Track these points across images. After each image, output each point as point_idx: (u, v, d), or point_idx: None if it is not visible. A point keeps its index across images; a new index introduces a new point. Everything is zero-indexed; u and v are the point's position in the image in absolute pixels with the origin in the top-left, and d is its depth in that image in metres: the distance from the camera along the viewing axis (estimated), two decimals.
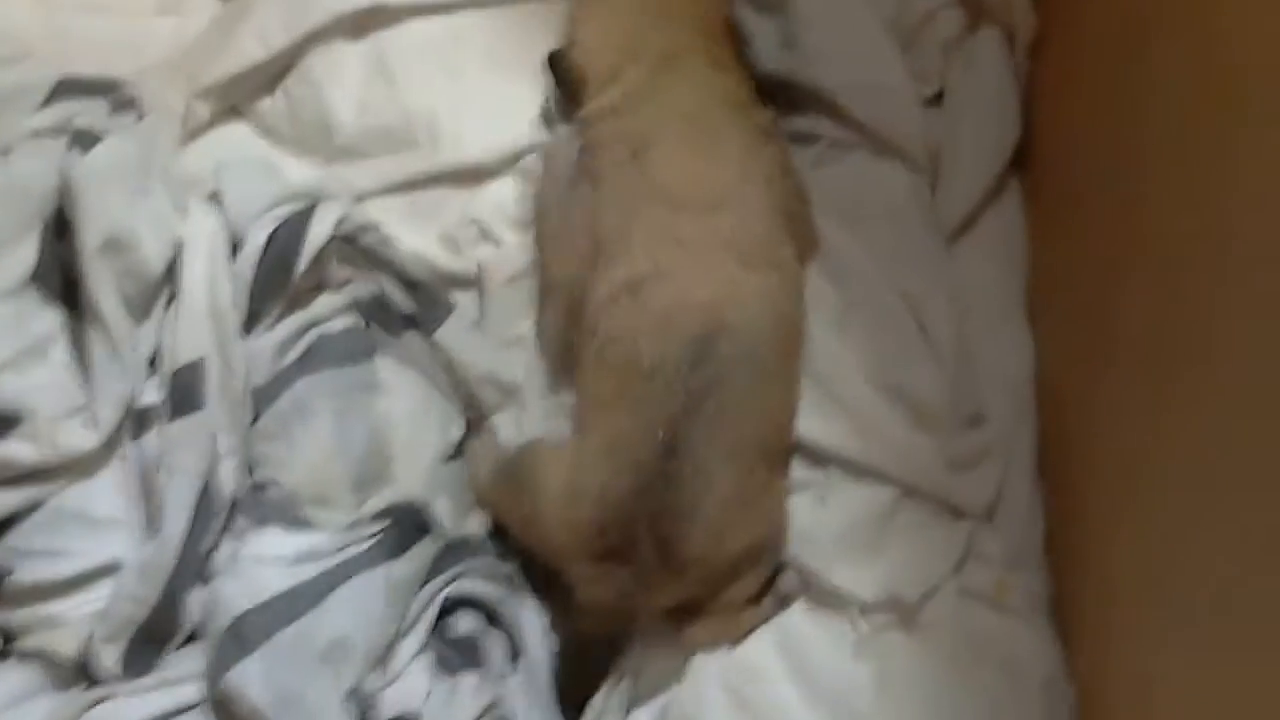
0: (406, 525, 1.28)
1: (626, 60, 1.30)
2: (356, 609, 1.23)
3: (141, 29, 1.51)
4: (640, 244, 1.21)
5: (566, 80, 1.36)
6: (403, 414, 1.33)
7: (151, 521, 1.26)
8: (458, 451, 1.36)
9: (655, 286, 1.18)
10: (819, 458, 1.29)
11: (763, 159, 1.28)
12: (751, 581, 1.23)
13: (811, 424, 1.28)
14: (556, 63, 1.37)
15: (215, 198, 1.35)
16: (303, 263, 1.32)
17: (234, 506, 1.28)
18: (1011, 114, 1.41)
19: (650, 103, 1.28)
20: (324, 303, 1.36)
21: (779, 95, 1.42)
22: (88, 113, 1.35)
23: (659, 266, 1.19)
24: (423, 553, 1.28)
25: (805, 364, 1.29)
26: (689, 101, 1.28)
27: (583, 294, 1.25)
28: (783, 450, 1.25)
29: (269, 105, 1.46)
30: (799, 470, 1.29)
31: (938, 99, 1.44)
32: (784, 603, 1.25)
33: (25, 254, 1.30)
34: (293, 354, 1.34)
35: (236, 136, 1.46)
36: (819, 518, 1.26)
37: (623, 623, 1.22)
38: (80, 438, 1.25)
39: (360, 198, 1.41)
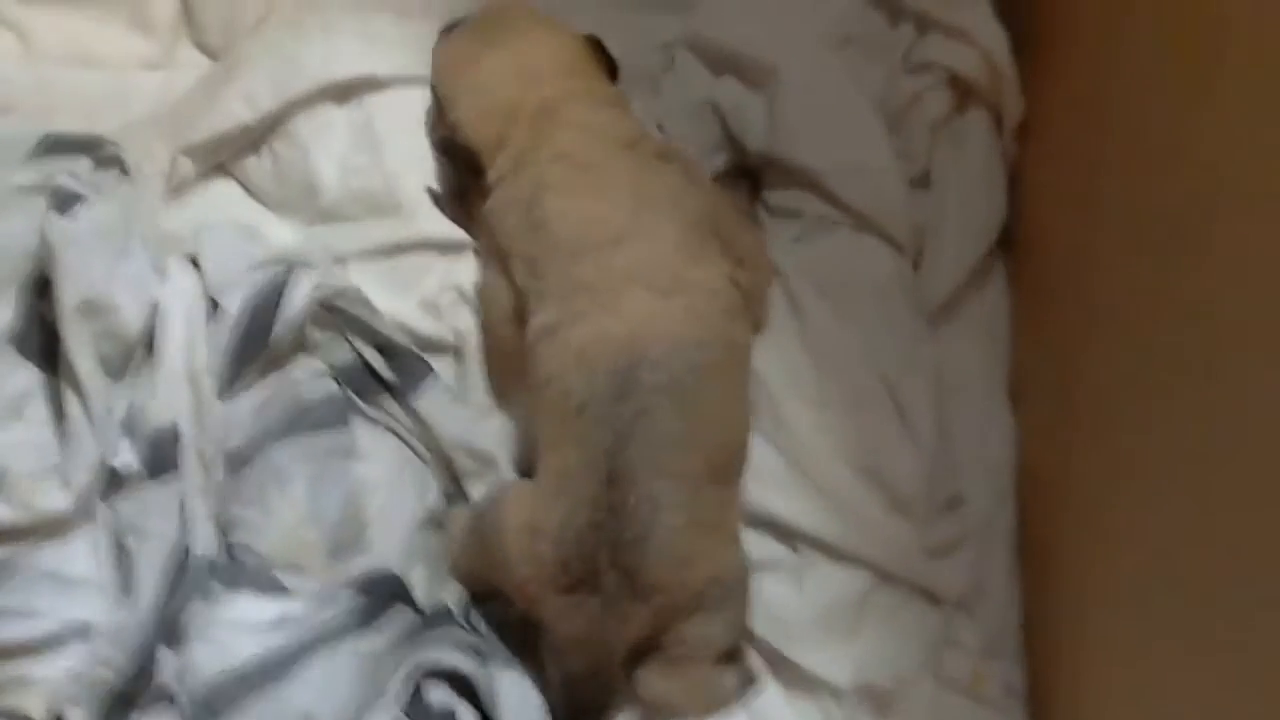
0: (380, 594, 1.27)
1: (507, 125, 1.30)
2: (328, 679, 1.21)
3: (128, 83, 1.51)
4: (551, 295, 1.21)
5: (463, 161, 1.35)
6: (379, 480, 1.32)
7: (124, 584, 1.25)
8: (434, 519, 1.34)
9: (571, 328, 1.19)
10: (792, 536, 1.28)
11: (659, 182, 1.27)
12: (719, 623, 1.21)
13: (785, 502, 1.28)
14: (449, 149, 1.37)
15: (194, 259, 1.35)
16: (280, 327, 1.31)
17: (207, 569, 1.27)
18: (997, 196, 1.42)
19: (533, 158, 1.27)
20: (302, 366, 1.35)
21: (764, 170, 1.43)
22: (71, 170, 1.35)
23: (573, 311, 1.19)
24: (396, 622, 1.26)
25: (779, 439, 1.30)
26: (570, 145, 1.27)
27: None
28: (732, 468, 1.25)
29: (254, 164, 1.46)
30: (771, 548, 1.29)
31: (923, 179, 1.44)
32: (753, 681, 1.24)
33: (4, 312, 1.30)
34: (269, 417, 1.33)
35: (220, 194, 1.46)
36: (792, 600, 1.26)
37: (600, 659, 1.19)
38: (54, 499, 1.24)
39: (341, 260, 1.41)
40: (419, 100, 1.43)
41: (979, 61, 1.41)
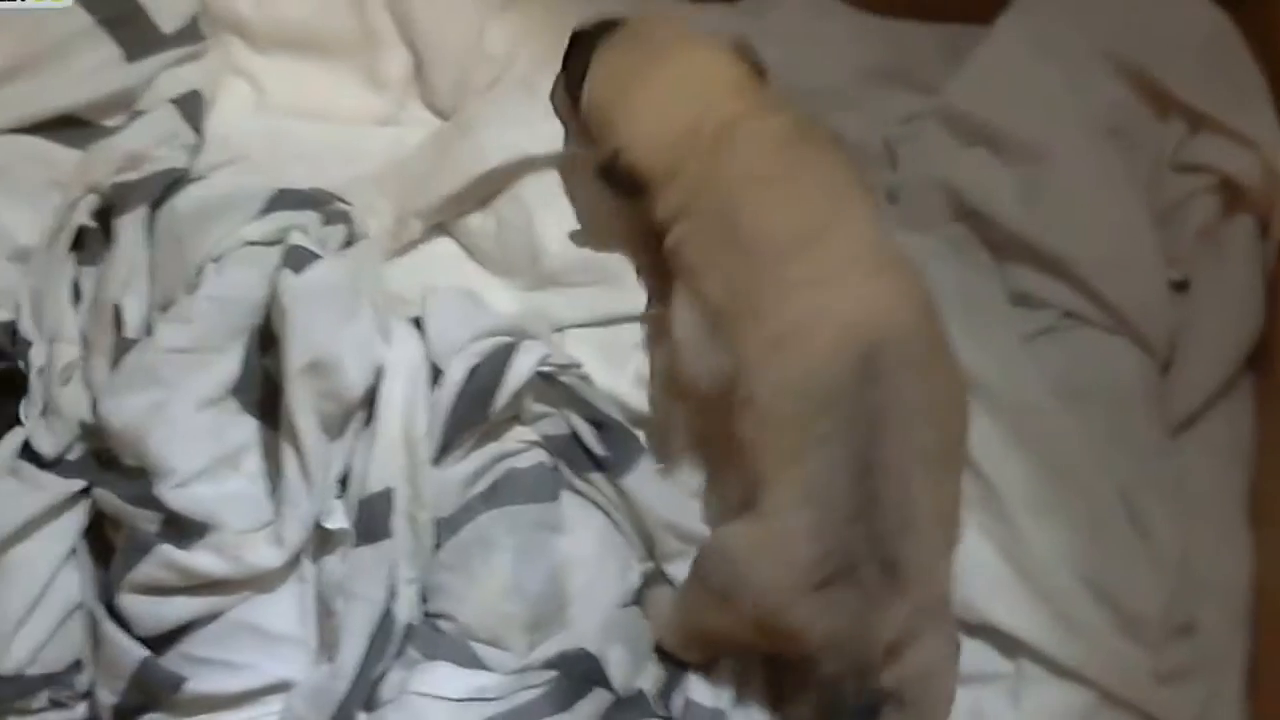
0: (577, 675, 1.25)
1: (681, 151, 1.26)
2: None
3: (357, 139, 1.52)
4: (767, 307, 1.17)
5: (624, 187, 1.31)
6: (583, 557, 1.30)
7: (326, 644, 1.25)
8: (635, 599, 1.32)
9: (799, 332, 1.15)
10: (1013, 648, 1.24)
11: (839, 166, 1.25)
12: (942, 640, 1.16)
13: (1008, 611, 1.24)
14: (610, 176, 1.31)
15: (419, 323, 1.34)
16: (502, 399, 1.30)
17: (407, 635, 1.27)
18: (1256, 307, 1.36)
19: (715, 184, 1.24)
20: (515, 436, 1.34)
21: (1006, 247, 1.39)
22: (301, 225, 1.36)
23: (795, 313, 1.16)
24: (592, 706, 1.24)
25: (1006, 544, 1.25)
26: (754, 163, 1.23)
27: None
28: (962, 452, 1.21)
29: (478, 224, 1.45)
30: (989, 659, 1.24)
31: (1180, 283, 1.39)
32: None
33: (229, 364, 1.30)
34: (480, 486, 1.32)
35: (442, 255, 1.46)
36: (1008, 716, 1.22)
37: (863, 656, 1.12)
38: (265, 555, 1.24)
39: (559, 328, 1.40)
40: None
41: (1253, 166, 1.36)
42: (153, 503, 1.24)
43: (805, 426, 1.12)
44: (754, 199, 1.22)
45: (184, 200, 1.37)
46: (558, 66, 1.41)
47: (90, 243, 1.39)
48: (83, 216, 1.37)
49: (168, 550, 1.23)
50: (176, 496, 1.24)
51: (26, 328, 1.35)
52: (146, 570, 1.23)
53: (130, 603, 1.23)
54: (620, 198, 1.34)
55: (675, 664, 1.28)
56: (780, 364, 1.15)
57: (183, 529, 1.24)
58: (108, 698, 1.23)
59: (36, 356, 1.34)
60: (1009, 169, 1.40)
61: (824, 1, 1.54)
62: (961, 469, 1.21)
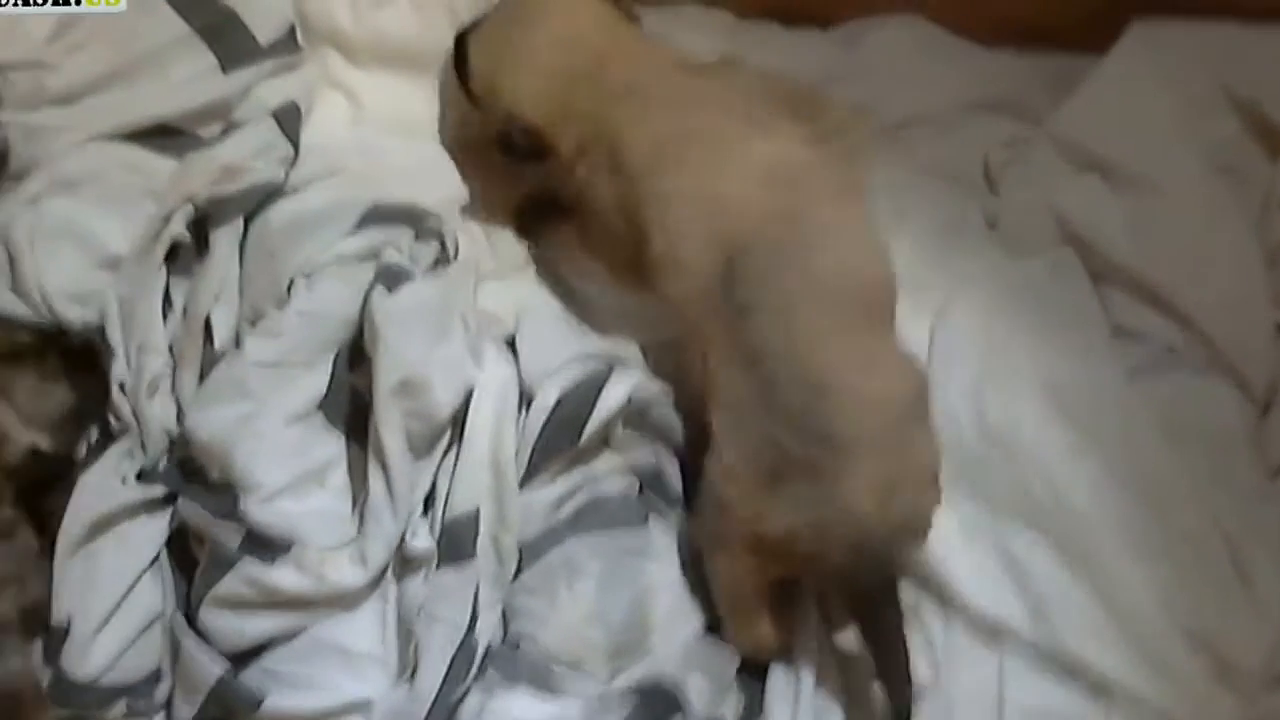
0: (657, 704, 1.24)
1: (566, 94, 1.30)
2: None
3: (447, 159, 1.49)
4: (650, 224, 1.22)
5: (525, 150, 1.33)
6: (667, 584, 1.29)
7: (406, 665, 1.24)
8: (714, 628, 1.29)
9: (672, 248, 1.21)
10: (1102, 690, 1.21)
11: (717, 86, 1.28)
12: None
13: (1099, 651, 1.21)
14: (508, 141, 1.34)
15: (511, 343, 1.33)
16: (592, 426, 1.28)
17: (488, 658, 1.25)
18: None
19: (603, 112, 1.27)
20: (604, 461, 1.32)
21: (1110, 277, 1.36)
22: (394, 241, 1.35)
23: (668, 229, 1.21)
24: None
25: (1100, 584, 1.22)
26: (634, 80, 1.28)
27: None
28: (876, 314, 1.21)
29: None
30: (1077, 701, 1.21)
31: None
32: None
33: (318, 379, 1.30)
34: (566, 510, 1.30)
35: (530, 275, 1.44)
36: None
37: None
38: (347, 574, 1.23)
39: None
40: None
41: None
42: (236, 517, 1.24)
43: (702, 345, 1.18)
44: (625, 114, 1.25)
45: (278, 213, 1.37)
46: None
47: (183, 254, 1.39)
48: (178, 228, 1.37)
49: (251, 566, 1.23)
50: (261, 512, 1.24)
51: (114, 338, 1.35)
52: (229, 585, 1.23)
53: (211, 617, 1.23)
54: (526, 164, 1.35)
55: (757, 692, 1.26)
56: (664, 285, 1.22)
57: (266, 544, 1.23)
58: (185, 711, 1.24)
59: (118, 369, 1.34)
60: (1118, 198, 1.38)
61: (923, 29, 1.52)
62: (883, 324, 1.20)
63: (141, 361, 1.34)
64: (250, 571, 1.22)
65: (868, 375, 1.14)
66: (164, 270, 1.37)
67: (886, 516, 1.12)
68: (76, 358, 1.35)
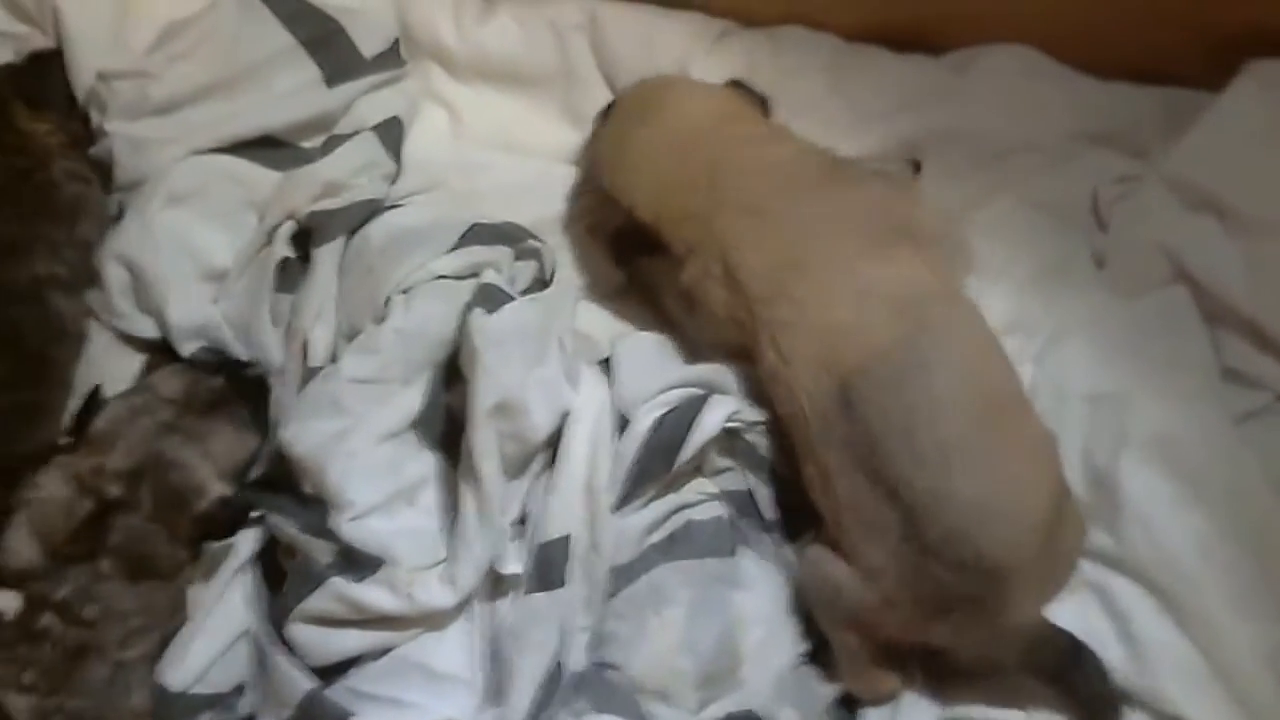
0: None
1: (683, 193, 1.29)
2: None
3: (551, 175, 1.51)
4: (760, 345, 1.22)
5: (638, 246, 1.34)
6: (759, 614, 1.27)
7: (494, 688, 1.23)
8: (807, 660, 1.27)
9: (778, 373, 1.22)
10: None
11: (833, 198, 1.27)
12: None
13: (1201, 708, 1.17)
14: (621, 237, 1.36)
15: (607, 367, 1.32)
16: (687, 452, 1.26)
17: (576, 685, 1.24)
18: None
19: (714, 218, 1.26)
20: (696, 488, 1.31)
21: (1223, 319, 1.33)
22: (493, 261, 1.35)
23: (775, 355, 1.21)
24: None
25: (1201, 637, 1.19)
26: (743, 196, 1.27)
27: None
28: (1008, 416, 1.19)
29: None
30: None
31: None
32: None
33: (412, 397, 1.30)
34: (657, 536, 1.29)
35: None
36: None
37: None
38: (437, 594, 1.22)
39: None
40: None
41: None
42: (328, 533, 1.24)
43: (819, 459, 1.17)
44: (743, 234, 1.24)
45: (377, 229, 1.37)
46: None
47: (287, 270, 1.39)
48: (283, 248, 1.38)
49: (340, 583, 1.22)
50: (352, 529, 1.24)
51: (241, 351, 1.37)
52: (318, 601, 1.22)
53: (299, 632, 1.23)
54: (640, 258, 1.36)
55: None
56: (775, 401, 1.23)
57: (356, 562, 1.23)
58: None
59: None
60: (1235, 240, 1.34)
61: (1034, 58, 1.49)
62: (1017, 419, 1.19)
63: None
64: (340, 589, 1.22)
65: (1014, 495, 1.13)
66: (271, 287, 1.38)
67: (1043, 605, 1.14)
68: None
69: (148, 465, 1.23)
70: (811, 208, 1.25)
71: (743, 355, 1.29)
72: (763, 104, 1.39)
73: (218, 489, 1.23)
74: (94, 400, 1.32)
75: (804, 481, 1.22)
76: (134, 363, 1.39)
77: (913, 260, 1.23)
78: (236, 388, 1.33)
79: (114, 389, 1.34)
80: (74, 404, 1.34)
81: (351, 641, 1.23)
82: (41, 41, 1.49)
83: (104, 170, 1.45)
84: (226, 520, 1.24)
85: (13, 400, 1.29)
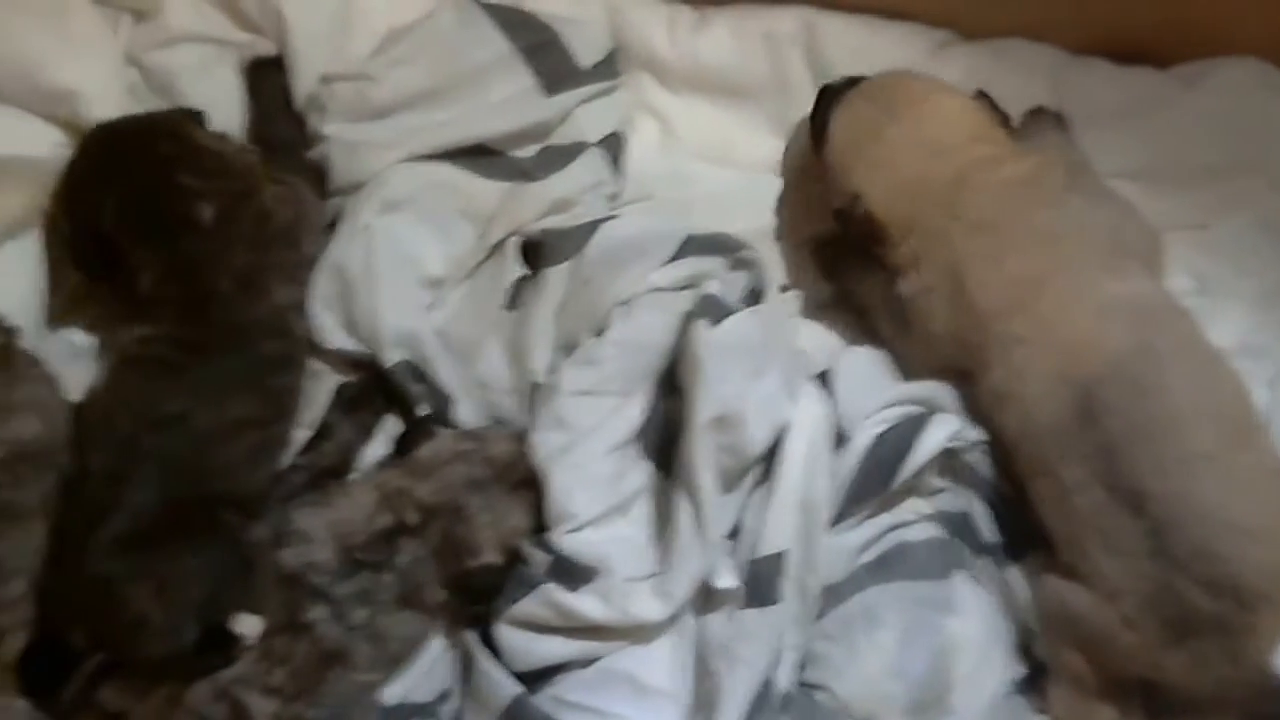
0: None
1: (919, 201, 1.28)
2: None
3: (762, 186, 1.50)
4: (990, 360, 1.22)
5: (860, 233, 1.31)
6: (971, 640, 1.24)
7: (701, 706, 1.21)
8: (1020, 689, 1.25)
9: (1011, 388, 1.21)
10: None
11: (1071, 213, 1.25)
12: None
13: None
14: (847, 218, 1.32)
15: (825, 381, 1.30)
16: (907, 471, 1.25)
17: (782, 704, 1.22)
18: None
19: (948, 237, 1.26)
20: (909, 507, 1.29)
21: None
22: (710, 272, 1.34)
23: (1009, 369, 1.21)
24: None
25: None
26: (983, 212, 1.25)
27: None
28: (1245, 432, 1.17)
29: None
30: None
31: None
32: None
33: (634, 409, 1.29)
34: (869, 556, 1.27)
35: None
36: None
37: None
38: (650, 607, 1.21)
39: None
40: None
41: None
42: (544, 543, 1.24)
43: (1055, 475, 1.16)
44: (977, 250, 1.23)
45: (593, 242, 1.36)
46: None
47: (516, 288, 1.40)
48: (514, 268, 1.38)
49: (553, 590, 1.22)
50: (569, 542, 1.24)
51: (446, 379, 1.36)
52: (529, 606, 1.22)
53: (506, 635, 1.23)
54: (855, 243, 1.33)
55: None
56: (1002, 417, 1.22)
57: (570, 571, 1.23)
58: None
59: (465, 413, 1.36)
60: None
61: (1268, 73, 1.44)
62: (1259, 441, 1.16)
63: (489, 400, 1.36)
64: (553, 596, 1.21)
65: (1267, 517, 1.11)
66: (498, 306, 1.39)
67: None
68: None
69: (445, 508, 1.24)
70: (1051, 223, 1.24)
71: (953, 375, 1.28)
72: (1005, 120, 1.38)
73: (490, 556, 1.24)
74: (422, 426, 1.34)
75: (1032, 502, 1.20)
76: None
77: (1143, 274, 1.23)
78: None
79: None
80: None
81: (556, 648, 1.23)
82: (263, 49, 1.52)
83: (319, 174, 1.46)
84: (486, 587, 1.25)
85: (264, 436, 1.30)
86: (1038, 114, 1.42)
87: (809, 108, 1.41)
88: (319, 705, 1.17)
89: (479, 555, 1.23)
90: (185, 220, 1.28)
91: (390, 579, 1.21)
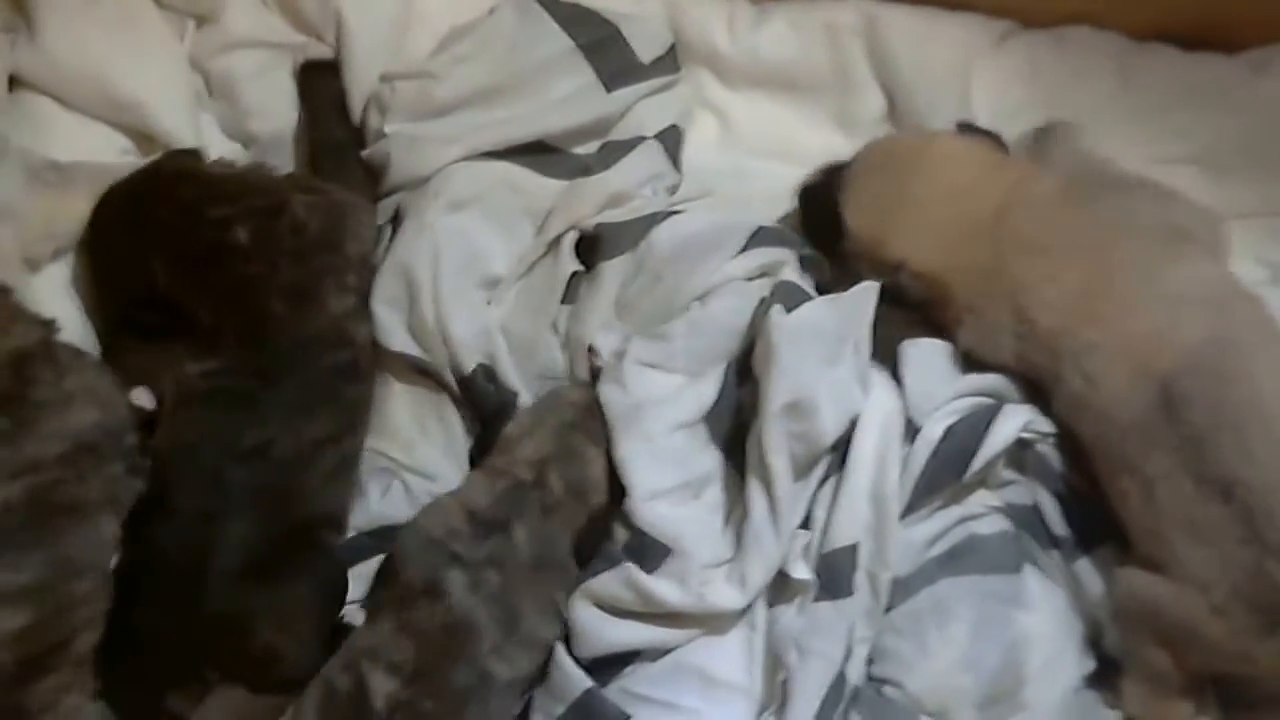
0: None
1: (966, 245, 1.27)
2: None
3: None
4: (1064, 369, 1.22)
5: (919, 298, 1.30)
6: (1043, 634, 1.22)
7: (772, 699, 1.21)
8: (1092, 684, 1.23)
9: (1087, 392, 1.21)
10: None
11: (1107, 213, 1.26)
12: None
13: None
14: (901, 290, 1.30)
15: (898, 375, 1.29)
16: (979, 462, 1.23)
17: (852, 699, 1.21)
18: None
19: (1002, 263, 1.26)
20: (978, 499, 1.27)
21: None
22: (782, 260, 1.34)
23: (1083, 374, 1.21)
24: None
25: None
26: (1029, 233, 1.26)
27: None
28: None
29: None
30: None
31: None
32: None
33: (707, 389, 1.29)
34: (938, 549, 1.26)
35: None
36: None
37: None
38: (726, 595, 1.20)
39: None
40: None
41: None
42: (622, 515, 1.24)
43: (1138, 471, 1.15)
44: (1033, 273, 1.24)
45: (661, 237, 1.36)
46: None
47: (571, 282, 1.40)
48: (571, 261, 1.39)
49: (633, 570, 1.21)
50: (646, 511, 1.23)
51: (510, 378, 1.36)
52: (608, 583, 1.21)
53: (582, 613, 1.22)
54: (915, 309, 1.32)
55: None
56: (1080, 425, 1.21)
57: (648, 550, 1.22)
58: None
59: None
60: None
61: None
62: None
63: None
64: (632, 575, 1.21)
65: None
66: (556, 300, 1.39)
67: None
68: None
69: (555, 454, 1.24)
70: (1098, 227, 1.24)
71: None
72: (999, 141, 1.38)
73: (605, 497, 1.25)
74: (499, 417, 1.33)
75: (1111, 499, 1.19)
76: None
77: (1204, 256, 1.24)
78: None
79: None
80: None
81: (627, 633, 1.22)
82: (318, 51, 1.52)
83: (371, 175, 1.47)
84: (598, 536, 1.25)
85: (341, 452, 1.30)
86: (1046, 130, 1.41)
87: (871, 102, 1.41)
88: (438, 695, 1.16)
89: (600, 491, 1.25)
90: (225, 248, 1.28)
91: (521, 537, 1.21)
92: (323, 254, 1.33)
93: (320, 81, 1.51)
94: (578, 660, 1.21)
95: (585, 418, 1.27)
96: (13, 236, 1.29)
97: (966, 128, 1.39)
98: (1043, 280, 1.23)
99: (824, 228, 1.36)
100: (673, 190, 1.46)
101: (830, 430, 1.22)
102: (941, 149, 1.33)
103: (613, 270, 1.37)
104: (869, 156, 1.36)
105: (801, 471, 1.24)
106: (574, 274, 1.39)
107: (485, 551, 1.19)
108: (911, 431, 1.26)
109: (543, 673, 1.22)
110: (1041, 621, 1.23)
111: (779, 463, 1.21)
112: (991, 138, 1.38)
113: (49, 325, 1.23)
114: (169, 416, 1.27)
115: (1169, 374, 1.15)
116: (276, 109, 1.51)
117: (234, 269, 1.28)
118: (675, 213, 1.38)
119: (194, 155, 1.38)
